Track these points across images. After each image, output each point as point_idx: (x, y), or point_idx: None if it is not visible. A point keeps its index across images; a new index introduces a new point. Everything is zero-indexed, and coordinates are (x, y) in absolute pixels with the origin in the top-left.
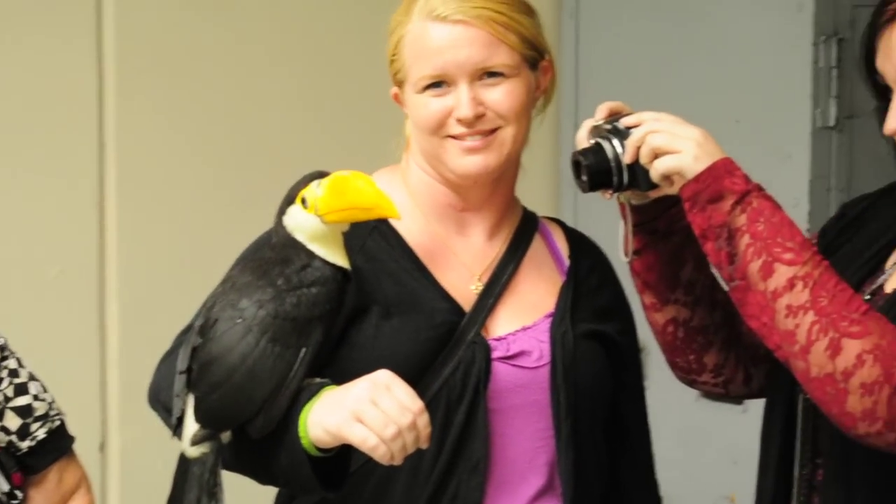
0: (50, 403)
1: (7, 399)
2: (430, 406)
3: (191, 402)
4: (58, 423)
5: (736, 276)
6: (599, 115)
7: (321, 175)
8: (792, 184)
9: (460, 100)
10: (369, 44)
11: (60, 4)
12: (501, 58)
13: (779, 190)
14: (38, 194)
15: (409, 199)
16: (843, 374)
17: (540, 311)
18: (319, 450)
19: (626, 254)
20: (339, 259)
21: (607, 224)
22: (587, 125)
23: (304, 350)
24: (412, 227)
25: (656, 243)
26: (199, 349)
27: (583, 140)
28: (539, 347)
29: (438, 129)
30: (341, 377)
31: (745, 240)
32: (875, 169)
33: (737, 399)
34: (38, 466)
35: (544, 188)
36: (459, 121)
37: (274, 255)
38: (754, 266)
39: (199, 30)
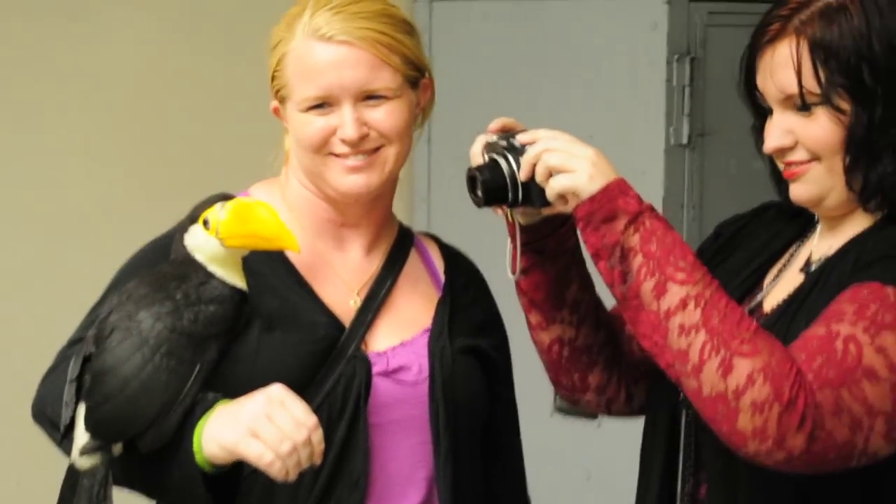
0: None
1: None
2: None
3: (81, 411)
4: None
5: (629, 295)
6: (492, 130)
7: (226, 197)
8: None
9: (344, 121)
10: (249, 55)
11: None
12: (385, 80)
13: None
14: None
15: (288, 214)
16: (735, 392)
17: (418, 327)
18: (212, 465)
19: (514, 272)
20: (237, 280)
21: (455, 241)
22: (481, 140)
23: (198, 366)
24: None
25: (544, 263)
26: (94, 358)
27: (477, 155)
28: (418, 362)
29: (321, 148)
30: (224, 390)
31: (639, 259)
32: (725, 186)
33: (591, 415)
34: None
35: (397, 202)
36: (343, 141)
37: (172, 269)
38: (647, 285)
39: (66, 41)
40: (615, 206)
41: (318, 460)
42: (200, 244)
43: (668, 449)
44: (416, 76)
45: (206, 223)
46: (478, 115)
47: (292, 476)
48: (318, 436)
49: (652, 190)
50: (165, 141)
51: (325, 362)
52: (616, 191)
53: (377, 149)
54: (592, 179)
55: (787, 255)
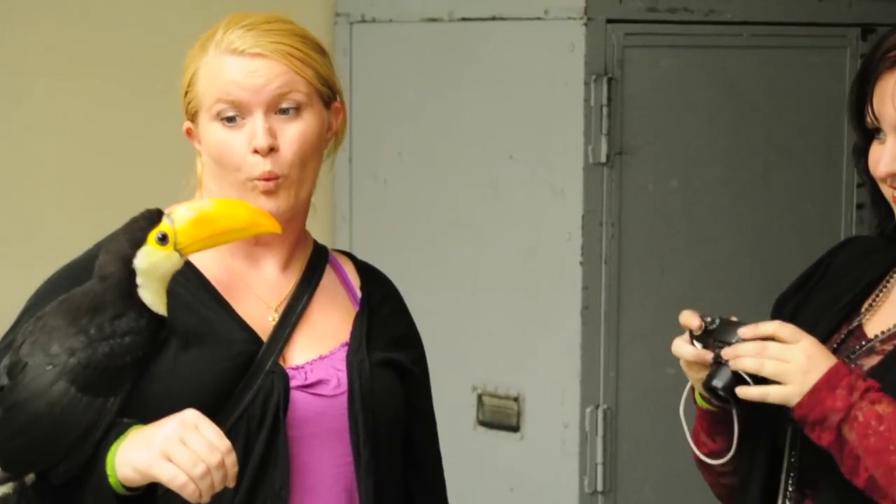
0: None
1: None
2: (231, 434)
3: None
4: None
5: (860, 483)
6: (694, 328)
7: (159, 212)
8: (565, 218)
9: (256, 129)
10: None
11: None
12: (298, 90)
13: (552, 224)
14: None
15: None
16: None
17: (336, 341)
18: (126, 488)
19: (713, 453)
20: (160, 305)
21: (377, 259)
22: (686, 344)
23: (112, 399)
24: (208, 262)
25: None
26: (6, 392)
27: (687, 349)
28: (336, 376)
29: (240, 168)
30: (142, 407)
31: (860, 453)
32: (644, 203)
33: (513, 427)
34: None
35: (320, 222)
36: (255, 151)
37: (87, 301)
38: (876, 474)
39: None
40: (825, 408)
41: (231, 483)
42: (157, 263)
43: (769, 467)
44: (329, 94)
45: (162, 239)
46: (399, 135)
47: (205, 498)
48: (231, 459)
49: (571, 208)
50: (81, 170)
51: (243, 377)
52: (826, 388)
53: (282, 174)
54: (804, 385)
55: (883, 284)
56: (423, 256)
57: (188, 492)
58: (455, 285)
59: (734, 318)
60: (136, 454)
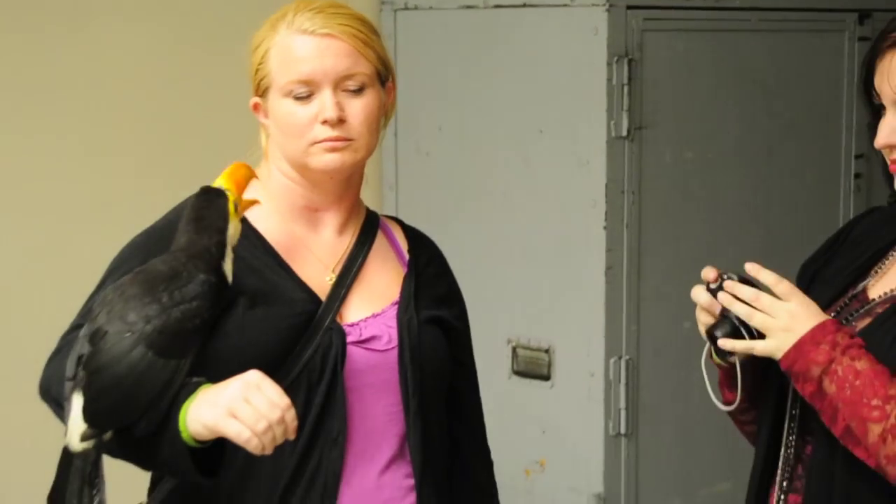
0: None
1: None
2: (293, 386)
3: (77, 404)
4: None
5: (837, 432)
6: (710, 279)
7: (210, 188)
8: (590, 187)
9: (325, 104)
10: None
11: None
12: (361, 68)
13: (579, 193)
14: None
15: (269, 203)
16: None
17: (387, 300)
18: (197, 441)
19: (731, 403)
20: (230, 272)
21: (420, 223)
22: (702, 292)
23: (184, 360)
24: (271, 227)
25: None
26: (90, 358)
27: (705, 303)
28: (388, 332)
29: (303, 134)
30: (213, 362)
31: (839, 405)
32: (661, 173)
33: (544, 377)
34: None
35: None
36: (325, 122)
37: (164, 268)
38: (851, 425)
39: (71, 51)
40: (808, 360)
41: (291, 436)
42: (235, 233)
43: (776, 416)
44: (385, 74)
45: (235, 210)
46: (439, 112)
47: (268, 450)
48: (290, 414)
49: (596, 178)
50: (155, 140)
51: (304, 334)
52: (809, 343)
53: (350, 139)
54: (779, 348)
55: (892, 249)
56: (462, 222)
57: (252, 445)
58: (491, 248)
59: (747, 278)
60: (205, 412)
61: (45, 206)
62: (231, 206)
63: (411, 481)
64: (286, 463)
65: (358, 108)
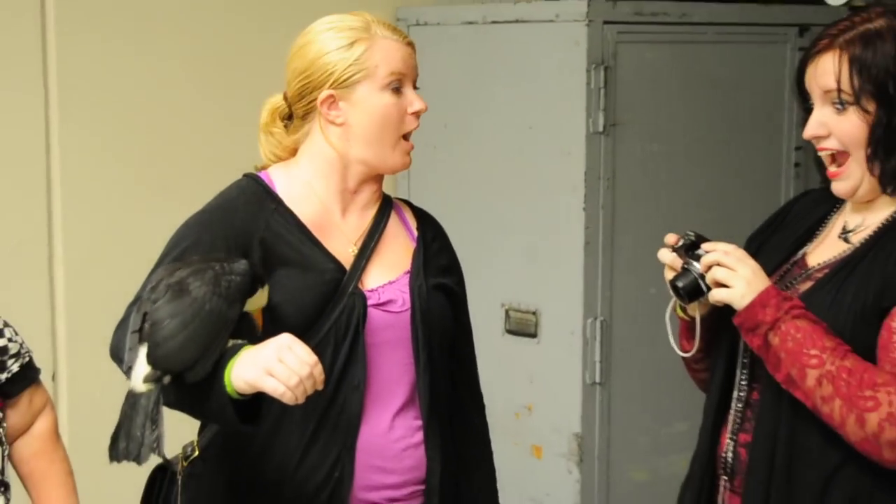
0: (21, 344)
1: None
2: (323, 342)
3: (142, 352)
4: (27, 358)
5: (780, 378)
6: (670, 242)
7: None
8: (572, 175)
9: (413, 99)
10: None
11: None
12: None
13: (562, 179)
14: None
15: (299, 186)
16: (873, 436)
17: (400, 269)
18: (240, 395)
19: (688, 350)
20: None
21: (429, 206)
22: (667, 253)
23: (229, 319)
24: (302, 207)
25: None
26: (154, 312)
27: (668, 261)
28: (402, 297)
29: (396, 126)
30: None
31: (781, 355)
32: (632, 163)
33: (532, 334)
34: (13, 393)
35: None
36: (415, 113)
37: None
38: (792, 372)
39: (125, 53)
40: (757, 318)
41: (320, 387)
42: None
43: (729, 365)
44: None
45: None
46: (445, 111)
47: (300, 400)
48: (318, 370)
49: (576, 167)
50: (196, 136)
51: (333, 297)
52: (759, 305)
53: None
54: (743, 297)
55: (824, 223)
56: (464, 204)
57: (287, 398)
58: (488, 226)
59: (705, 241)
60: (246, 371)
61: (116, 191)
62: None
63: (419, 422)
64: (315, 406)
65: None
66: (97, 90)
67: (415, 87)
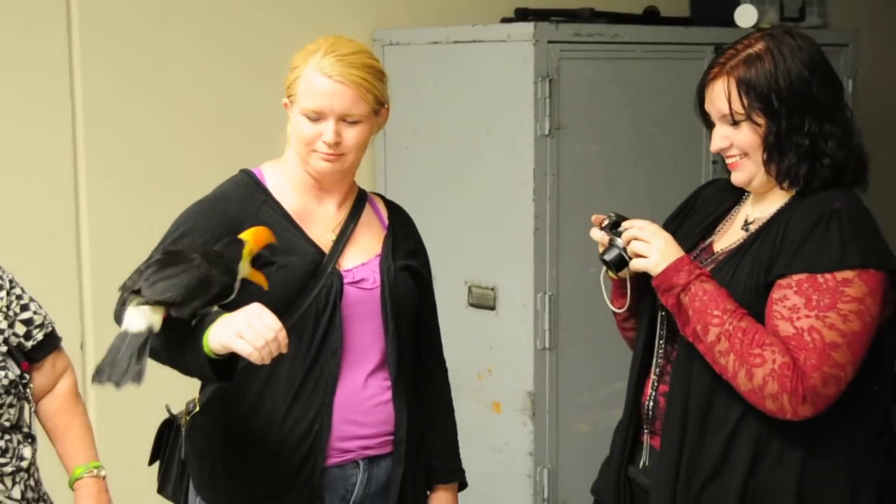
0: (44, 315)
1: (16, 314)
2: (305, 314)
3: (137, 302)
4: (50, 328)
5: (687, 332)
6: (595, 222)
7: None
8: (523, 172)
9: (327, 131)
10: (270, 78)
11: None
12: (359, 110)
13: (514, 175)
14: (31, 174)
15: (286, 181)
16: (759, 388)
17: (372, 253)
18: (217, 356)
19: (620, 307)
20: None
21: (403, 199)
22: (596, 231)
23: (213, 278)
24: (288, 199)
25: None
26: (147, 268)
27: (598, 238)
28: (373, 276)
29: (309, 144)
30: (248, 296)
31: (689, 312)
32: (575, 162)
33: (491, 307)
34: (38, 357)
35: (366, 172)
36: (325, 143)
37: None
38: (697, 328)
39: (150, 39)
40: (671, 281)
41: (284, 350)
42: (244, 268)
43: (651, 322)
44: (379, 107)
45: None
46: (415, 118)
47: (267, 361)
48: (282, 335)
49: (526, 166)
50: (209, 127)
51: (314, 277)
52: (673, 270)
53: (342, 154)
54: (657, 265)
55: (730, 215)
56: (432, 196)
57: (254, 357)
58: (453, 215)
59: (625, 219)
60: (220, 333)
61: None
62: (246, 251)
63: (388, 384)
64: (299, 368)
65: (351, 135)
66: (121, 87)
67: (345, 119)
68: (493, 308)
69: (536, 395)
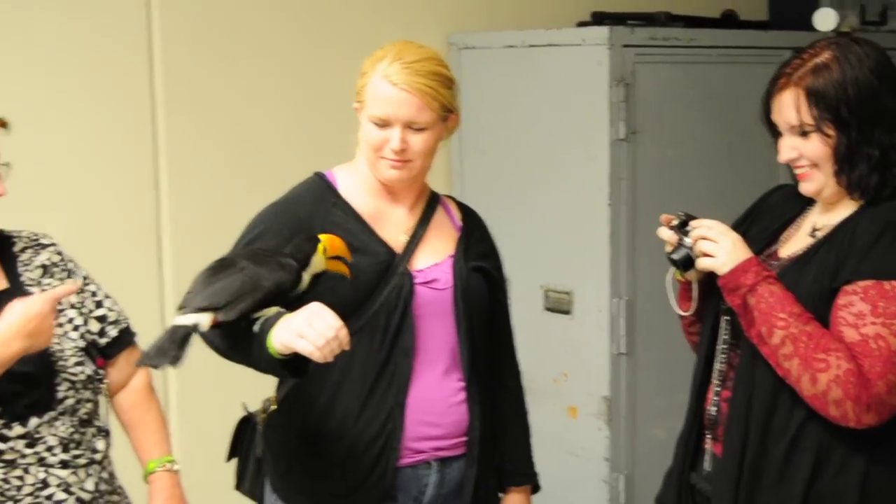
0: (119, 313)
1: (90, 311)
2: (377, 313)
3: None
4: (124, 325)
5: (752, 334)
6: (664, 221)
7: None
8: (598, 176)
9: (393, 138)
10: (346, 79)
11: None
12: (424, 118)
13: (590, 180)
14: (113, 174)
15: (358, 184)
16: (823, 394)
17: (444, 254)
18: (281, 355)
19: (687, 310)
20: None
21: (479, 203)
22: (665, 230)
23: (262, 285)
24: (360, 202)
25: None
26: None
27: (666, 237)
28: (445, 276)
29: (377, 151)
30: (323, 293)
31: (755, 314)
32: (650, 166)
33: (566, 311)
34: (112, 354)
35: (442, 176)
36: (392, 150)
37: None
38: (762, 330)
39: (231, 42)
40: (738, 281)
41: (346, 347)
42: (316, 263)
43: (715, 325)
44: (447, 114)
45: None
46: (492, 122)
47: (329, 359)
48: (343, 332)
49: (602, 170)
50: (286, 129)
51: (385, 276)
52: (741, 270)
53: (409, 160)
54: (724, 265)
55: (796, 221)
56: (508, 200)
57: (316, 356)
58: (529, 219)
59: (693, 219)
60: (282, 334)
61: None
62: (320, 248)
63: (462, 384)
64: (371, 368)
65: (417, 142)
66: (200, 89)
67: (411, 126)
68: (568, 312)
69: (612, 400)
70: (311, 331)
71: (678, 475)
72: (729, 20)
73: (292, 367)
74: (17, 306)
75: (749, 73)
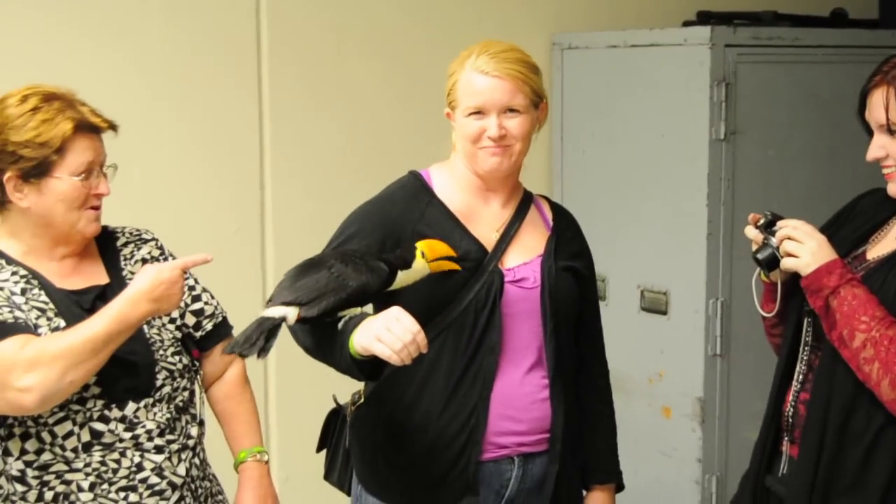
0: (215, 306)
1: (187, 305)
2: (465, 310)
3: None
4: (220, 318)
5: (833, 336)
6: (752, 220)
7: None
8: (697, 176)
9: (491, 125)
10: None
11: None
12: (518, 101)
13: (689, 180)
14: (221, 175)
15: (452, 182)
16: None
17: (534, 253)
18: (361, 356)
19: (770, 311)
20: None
21: (578, 202)
22: (752, 229)
23: (348, 284)
24: (454, 200)
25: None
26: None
27: (753, 236)
28: (534, 275)
29: (476, 142)
30: (413, 291)
31: (837, 316)
32: (750, 167)
33: (663, 311)
34: (208, 346)
35: (543, 179)
36: (489, 137)
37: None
38: (843, 332)
39: (334, 51)
40: (822, 283)
41: (424, 350)
42: (417, 267)
43: (797, 327)
44: (538, 100)
45: (422, 255)
46: (592, 122)
47: (407, 362)
48: (420, 336)
49: (701, 170)
50: (386, 133)
51: (475, 274)
52: (824, 272)
53: (509, 146)
54: (808, 266)
55: (887, 225)
56: (607, 199)
57: (394, 360)
58: (627, 219)
59: (780, 219)
60: (362, 337)
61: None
62: (419, 253)
63: (546, 382)
64: (457, 364)
65: (514, 126)
66: (306, 90)
67: (509, 111)
68: (664, 313)
69: (706, 401)
70: (388, 335)
71: (753, 478)
72: (838, 19)
73: (369, 369)
74: (148, 270)
75: (856, 73)
